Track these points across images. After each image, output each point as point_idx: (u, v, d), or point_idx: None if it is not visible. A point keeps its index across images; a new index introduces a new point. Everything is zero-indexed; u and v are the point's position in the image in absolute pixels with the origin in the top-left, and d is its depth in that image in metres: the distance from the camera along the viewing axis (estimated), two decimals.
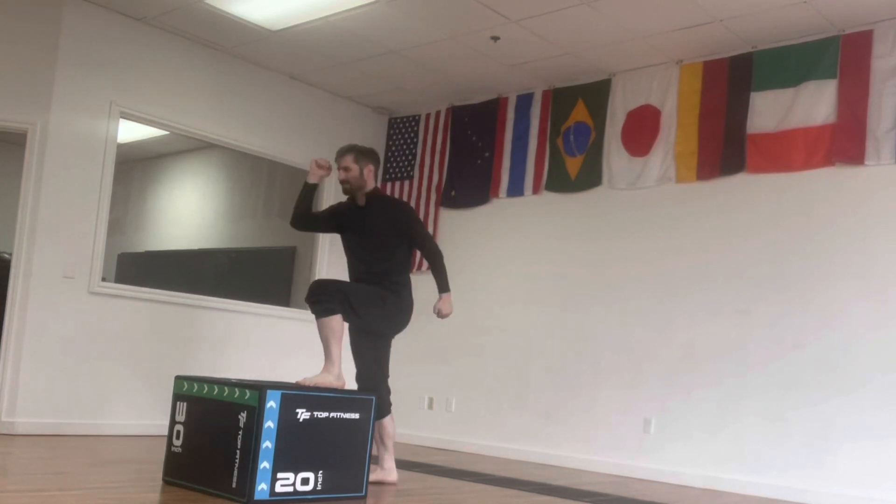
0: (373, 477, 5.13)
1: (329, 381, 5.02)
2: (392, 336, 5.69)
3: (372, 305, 5.35)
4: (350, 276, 5.63)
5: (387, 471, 5.43)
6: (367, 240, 5.53)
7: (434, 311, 5.49)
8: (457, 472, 6.50)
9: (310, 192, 5.63)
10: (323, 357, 5.21)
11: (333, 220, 5.79)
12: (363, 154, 5.52)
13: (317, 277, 8.57)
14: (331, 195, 8.32)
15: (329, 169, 5.59)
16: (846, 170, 6.48)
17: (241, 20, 7.26)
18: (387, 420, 5.45)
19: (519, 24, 6.89)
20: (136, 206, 11.78)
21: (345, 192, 5.63)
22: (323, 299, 5.13)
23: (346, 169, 5.46)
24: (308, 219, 5.77)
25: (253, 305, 8.30)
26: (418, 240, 5.60)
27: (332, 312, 5.13)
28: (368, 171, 5.50)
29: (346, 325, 5.29)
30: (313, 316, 5.23)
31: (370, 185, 5.55)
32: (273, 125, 8.50)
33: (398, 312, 5.52)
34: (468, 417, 8.36)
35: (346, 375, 5.22)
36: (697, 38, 6.94)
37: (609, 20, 6.72)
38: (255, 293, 8.65)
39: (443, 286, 5.52)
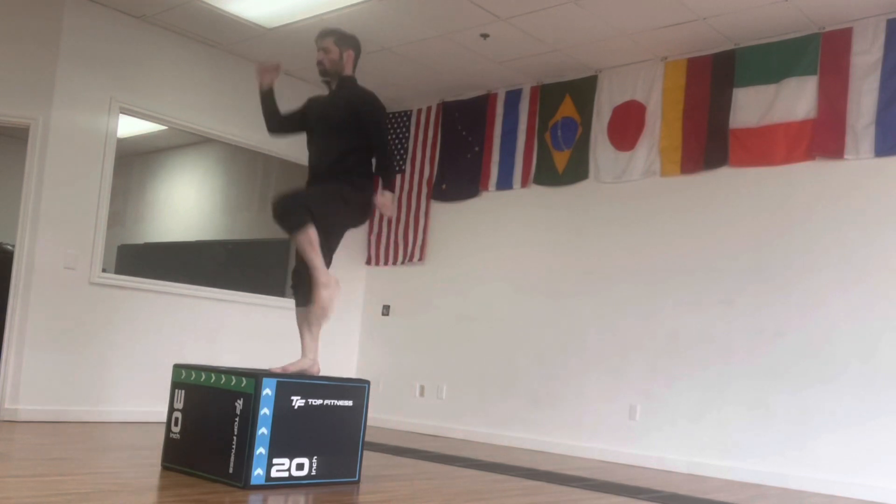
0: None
1: (302, 366, 4.98)
2: (348, 229, 5.39)
3: (334, 213, 5.05)
4: (308, 177, 5.28)
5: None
6: (329, 128, 5.20)
7: (376, 206, 5.10)
8: (448, 457, 6.56)
9: (267, 97, 5.35)
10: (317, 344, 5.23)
11: (301, 117, 5.44)
12: (345, 38, 5.24)
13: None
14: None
15: (277, 69, 5.34)
16: (826, 164, 6.56)
17: (237, 18, 7.33)
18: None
19: (508, 21, 6.98)
20: (135, 198, 11.76)
21: (320, 75, 5.29)
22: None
23: (326, 50, 5.19)
24: (281, 121, 5.45)
25: (249, 296, 8.40)
26: (374, 132, 5.13)
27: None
28: (348, 55, 5.23)
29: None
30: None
31: (347, 70, 5.25)
32: None
33: (359, 211, 5.19)
34: (458, 404, 8.44)
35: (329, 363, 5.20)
36: (681, 36, 7.02)
37: (595, 18, 6.80)
38: (251, 283, 8.67)
39: (387, 183, 5.14)
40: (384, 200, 5.11)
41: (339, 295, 4.97)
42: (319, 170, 5.18)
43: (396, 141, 9.40)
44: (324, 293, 4.90)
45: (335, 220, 5.14)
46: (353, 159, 5.12)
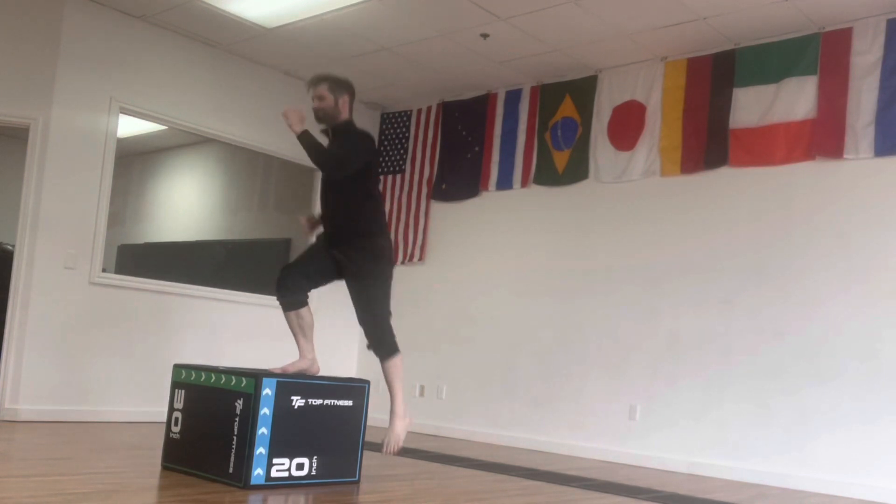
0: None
1: (302, 366, 5.02)
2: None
3: (388, 293, 5.19)
4: (324, 233, 5.29)
5: (401, 416, 5.20)
6: (333, 181, 5.15)
7: (283, 113, 5.03)
8: (448, 457, 6.58)
9: (306, 138, 5.03)
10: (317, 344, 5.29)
11: None
12: (339, 84, 5.15)
13: None
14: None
15: (301, 116, 5.08)
16: (826, 163, 6.56)
17: (237, 18, 7.32)
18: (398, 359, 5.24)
19: (508, 21, 6.98)
20: (135, 198, 11.79)
21: (317, 122, 5.19)
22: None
23: (320, 98, 5.10)
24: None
25: (249, 295, 8.38)
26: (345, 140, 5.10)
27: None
28: (343, 101, 5.14)
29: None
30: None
31: (344, 116, 5.18)
32: (268, 120, 8.47)
33: (383, 270, 5.17)
34: (459, 404, 8.45)
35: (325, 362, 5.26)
36: (681, 36, 7.02)
37: (595, 18, 6.80)
38: (251, 283, 8.67)
39: (308, 146, 5.00)
40: (290, 112, 5.04)
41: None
42: (335, 228, 5.20)
43: (396, 141, 9.41)
44: (399, 424, 5.16)
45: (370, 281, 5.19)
46: (365, 218, 5.13)
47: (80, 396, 7.14)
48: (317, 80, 5.17)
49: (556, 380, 7.80)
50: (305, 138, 4.98)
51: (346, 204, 5.12)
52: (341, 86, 5.17)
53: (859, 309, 6.28)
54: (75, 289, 7.13)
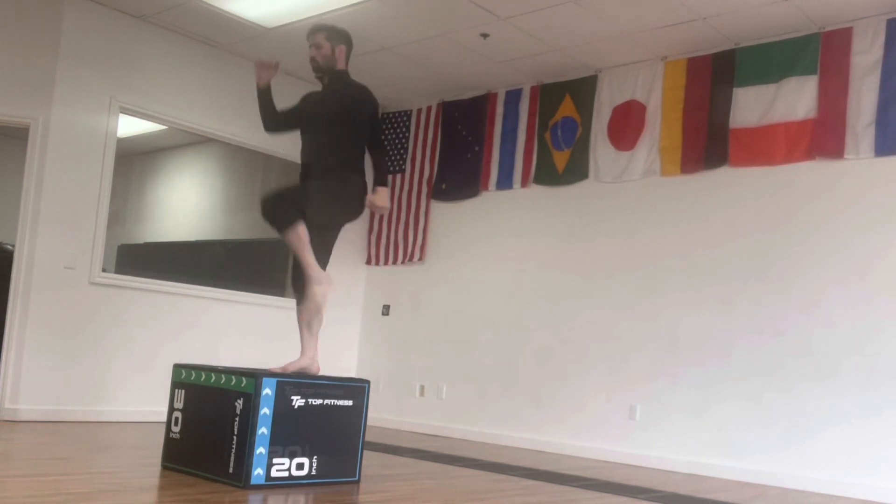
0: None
1: (301, 364, 5.02)
2: (343, 224, 5.37)
3: (325, 208, 5.07)
4: (301, 173, 5.26)
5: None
6: (322, 123, 5.19)
7: (367, 205, 5.13)
8: (448, 457, 6.56)
9: (264, 95, 5.34)
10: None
11: (297, 114, 5.42)
12: (336, 33, 5.25)
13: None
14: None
15: (276, 67, 5.36)
16: (826, 163, 6.56)
17: (237, 18, 7.33)
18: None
19: (508, 21, 6.98)
20: (135, 198, 11.75)
21: (314, 71, 5.30)
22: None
23: (318, 46, 5.21)
24: (277, 119, 5.42)
25: (249, 295, 8.40)
26: (368, 127, 5.18)
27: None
28: (340, 50, 5.23)
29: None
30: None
31: (340, 65, 5.27)
32: None
33: (351, 206, 5.15)
34: (458, 404, 8.44)
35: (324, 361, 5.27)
36: (681, 36, 7.02)
37: (595, 18, 6.80)
38: (251, 283, 8.68)
39: (380, 179, 5.13)
40: (375, 198, 5.11)
41: (332, 291, 4.99)
42: (312, 166, 5.17)
43: (396, 141, 9.41)
44: (316, 289, 4.96)
45: (327, 215, 5.16)
46: (346, 154, 5.11)
47: (80, 396, 7.14)
48: (315, 30, 5.28)
49: (556, 379, 7.80)
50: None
51: (334, 147, 5.11)
52: (339, 35, 5.28)
53: (859, 308, 6.28)
54: (75, 289, 7.13)
